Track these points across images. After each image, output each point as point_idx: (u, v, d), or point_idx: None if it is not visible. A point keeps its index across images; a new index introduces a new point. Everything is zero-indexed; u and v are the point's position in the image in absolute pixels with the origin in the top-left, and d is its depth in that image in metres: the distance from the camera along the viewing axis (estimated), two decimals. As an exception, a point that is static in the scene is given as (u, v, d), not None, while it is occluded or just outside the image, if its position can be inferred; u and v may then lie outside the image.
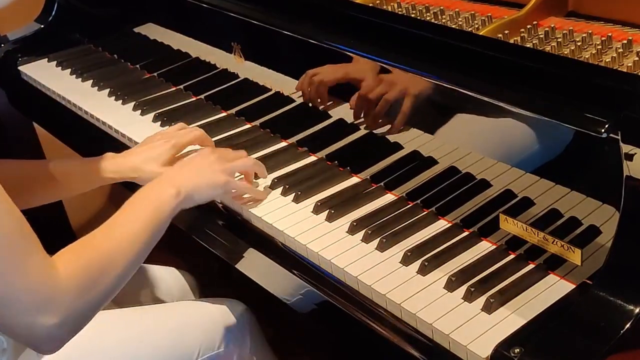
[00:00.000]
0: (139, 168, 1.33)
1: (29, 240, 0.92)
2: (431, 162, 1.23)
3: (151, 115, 1.66)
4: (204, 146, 1.41)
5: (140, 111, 1.68)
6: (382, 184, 1.29)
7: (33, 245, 0.93)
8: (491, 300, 1.00)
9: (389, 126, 1.27)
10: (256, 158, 1.36)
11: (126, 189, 1.56)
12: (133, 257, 1.06)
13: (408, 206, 1.23)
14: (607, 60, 1.11)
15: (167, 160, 1.34)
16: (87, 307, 0.98)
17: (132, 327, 1.30)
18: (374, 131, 1.30)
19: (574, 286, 1.02)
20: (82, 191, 1.38)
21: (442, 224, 1.19)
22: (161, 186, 1.18)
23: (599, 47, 1.14)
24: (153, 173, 1.31)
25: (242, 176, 1.33)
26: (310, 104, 1.42)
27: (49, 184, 1.34)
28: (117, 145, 1.58)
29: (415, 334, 1.02)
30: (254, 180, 1.35)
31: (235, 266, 1.33)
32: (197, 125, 1.56)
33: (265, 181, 1.35)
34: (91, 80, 1.86)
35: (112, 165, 1.34)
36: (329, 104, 1.38)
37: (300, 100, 1.45)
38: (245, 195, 1.30)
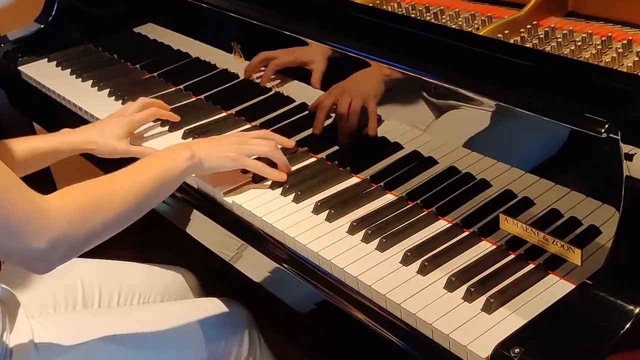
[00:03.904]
0: (95, 141, 1.43)
1: (11, 179, 0.98)
2: (431, 162, 1.23)
3: (151, 115, 1.66)
4: (161, 118, 1.55)
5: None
6: (382, 184, 1.29)
7: (16, 182, 0.99)
8: (491, 300, 1.00)
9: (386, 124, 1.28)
10: (255, 158, 1.36)
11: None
12: (133, 203, 1.12)
13: (408, 206, 1.23)
14: (607, 60, 1.11)
15: (122, 135, 1.44)
16: (78, 238, 1.04)
17: (131, 326, 1.29)
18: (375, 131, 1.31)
19: (574, 286, 1.02)
20: (41, 167, 1.44)
21: (442, 224, 1.19)
22: (178, 148, 1.27)
23: (599, 47, 1.14)
24: (108, 146, 1.42)
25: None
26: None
27: (12, 163, 1.36)
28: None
29: (415, 334, 1.02)
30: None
31: (235, 266, 1.33)
32: (197, 125, 1.56)
33: (265, 182, 1.35)
34: (91, 80, 1.86)
35: (71, 138, 1.43)
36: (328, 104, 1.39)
37: (301, 100, 1.45)
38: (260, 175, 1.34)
